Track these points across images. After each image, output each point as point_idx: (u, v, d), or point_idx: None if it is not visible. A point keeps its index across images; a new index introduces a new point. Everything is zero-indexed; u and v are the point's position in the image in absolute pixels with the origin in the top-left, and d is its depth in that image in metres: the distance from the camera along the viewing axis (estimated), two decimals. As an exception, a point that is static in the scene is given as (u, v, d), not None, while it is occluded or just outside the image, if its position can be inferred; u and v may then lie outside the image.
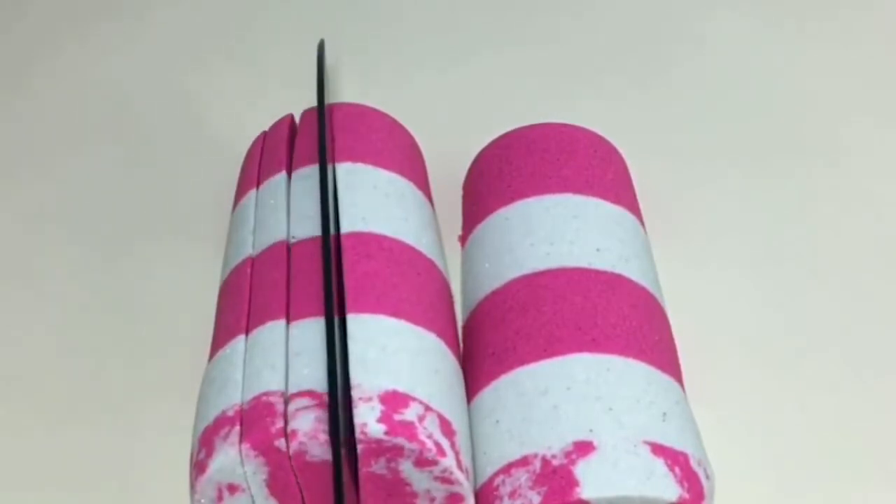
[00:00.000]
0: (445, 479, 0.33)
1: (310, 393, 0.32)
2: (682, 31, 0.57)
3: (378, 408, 0.32)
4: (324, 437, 0.31)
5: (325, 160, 0.38)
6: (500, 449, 0.34)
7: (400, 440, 0.31)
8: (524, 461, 0.33)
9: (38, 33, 0.60)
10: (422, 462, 0.32)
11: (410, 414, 0.32)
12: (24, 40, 0.59)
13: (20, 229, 0.49)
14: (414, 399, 0.32)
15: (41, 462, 0.40)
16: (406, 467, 0.32)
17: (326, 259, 0.35)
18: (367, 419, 0.31)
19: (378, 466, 0.32)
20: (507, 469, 0.33)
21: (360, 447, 0.32)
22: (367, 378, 0.32)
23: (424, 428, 0.32)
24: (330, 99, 0.44)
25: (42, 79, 0.57)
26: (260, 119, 0.45)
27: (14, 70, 0.58)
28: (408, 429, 0.32)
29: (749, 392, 0.41)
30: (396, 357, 0.33)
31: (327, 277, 0.34)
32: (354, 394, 0.32)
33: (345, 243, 0.37)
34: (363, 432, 0.31)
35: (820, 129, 0.51)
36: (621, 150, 0.44)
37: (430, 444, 0.32)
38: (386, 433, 0.31)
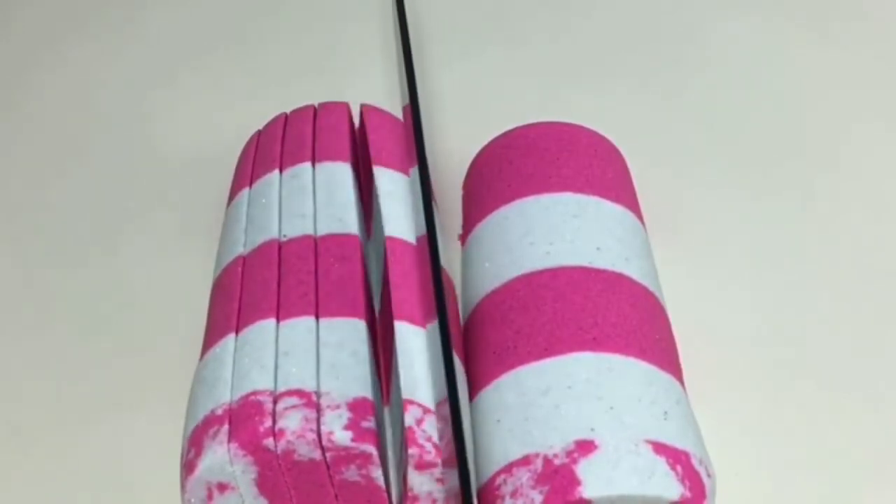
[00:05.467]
0: (446, 481, 0.32)
1: (298, 392, 0.32)
2: (684, 31, 0.58)
3: (346, 415, 0.32)
4: (311, 436, 0.31)
5: (426, 169, 0.38)
6: (502, 448, 0.34)
7: (367, 447, 0.31)
8: (526, 460, 0.33)
9: (38, 33, 0.60)
10: (422, 465, 0.32)
11: (408, 418, 0.32)
12: (24, 40, 0.60)
13: (19, 226, 0.49)
14: (412, 402, 0.32)
15: (33, 461, 0.40)
16: (378, 474, 0.32)
17: (435, 264, 0.34)
18: (334, 427, 0.31)
19: (349, 473, 0.32)
20: (508, 468, 0.33)
21: (327, 455, 0.32)
22: (336, 385, 0.32)
23: (423, 431, 0.32)
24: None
25: (42, 78, 0.57)
26: (255, 118, 0.45)
27: (14, 70, 0.58)
28: (373, 435, 0.31)
29: (749, 391, 0.41)
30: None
31: (437, 283, 0.33)
32: (323, 401, 0.32)
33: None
34: (329, 440, 0.31)
35: (822, 130, 0.51)
36: (621, 150, 0.44)
37: (428, 446, 0.32)
38: (353, 440, 0.31)
